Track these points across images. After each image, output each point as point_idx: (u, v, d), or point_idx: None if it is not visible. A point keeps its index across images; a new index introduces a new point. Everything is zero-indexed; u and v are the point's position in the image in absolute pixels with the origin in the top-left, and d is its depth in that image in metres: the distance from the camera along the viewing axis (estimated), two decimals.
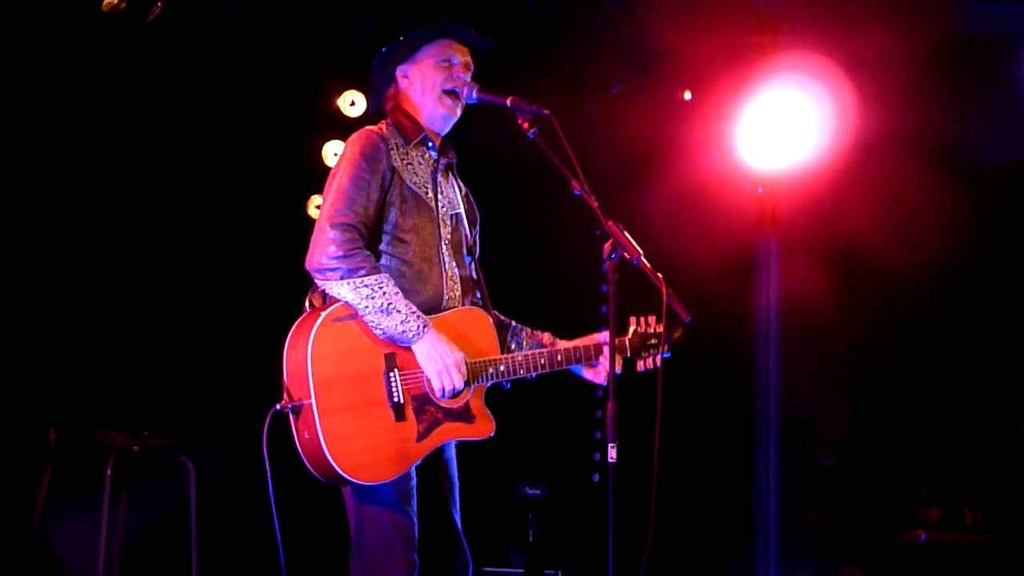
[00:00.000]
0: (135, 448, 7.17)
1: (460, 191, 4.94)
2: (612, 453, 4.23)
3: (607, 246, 4.35)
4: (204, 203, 7.91)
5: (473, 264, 4.88)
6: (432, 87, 4.75)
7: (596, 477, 9.12)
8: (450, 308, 4.66)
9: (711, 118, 8.54)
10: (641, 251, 4.37)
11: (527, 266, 8.97)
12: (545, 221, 8.91)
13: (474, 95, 4.73)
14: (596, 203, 4.46)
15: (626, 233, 4.39)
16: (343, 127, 8.03)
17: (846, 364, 8.86)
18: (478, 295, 4.88)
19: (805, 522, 8.62)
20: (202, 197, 7.91)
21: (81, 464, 7.07)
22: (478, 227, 5.00)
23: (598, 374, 4.85)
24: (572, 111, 8.02)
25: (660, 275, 4.38)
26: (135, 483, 7.38)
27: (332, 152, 8.13)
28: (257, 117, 7.98)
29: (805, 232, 8.59)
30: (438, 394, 4.47)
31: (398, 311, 4.39)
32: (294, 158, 8.16)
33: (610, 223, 4.39)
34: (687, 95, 8.61)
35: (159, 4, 7.27)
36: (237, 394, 7.48)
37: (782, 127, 8.31)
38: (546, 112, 4.55)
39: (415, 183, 4.66)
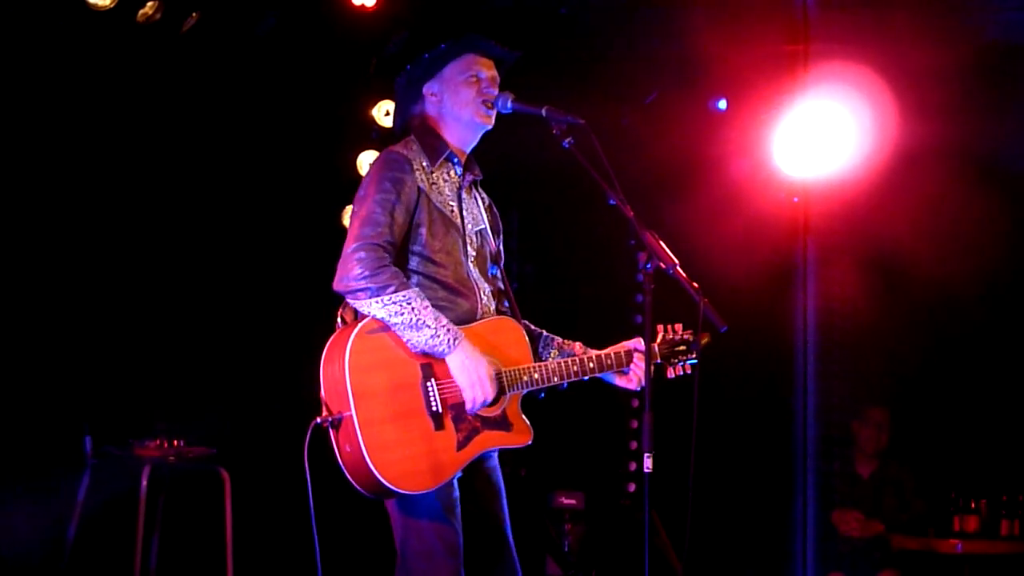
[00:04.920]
0: (171, 458, 7.17)
1: (483, 203, 4.90)
2: (648, 463, 4.23)
3: (642, 256, 4.36)
4: (239, 213, 7.93)
5: (499, 274, 4.86)
6: (464, 103, 4.70)
7: (632, 487, 9.10)
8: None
9: (747, 127, 8.50)
10: (677, 261, 4.35)
11: (562, 276, 8.96)
12: (580, 231, 8.89)
13: (509, 105, 4.70)
14: (632, 213, 4.44)
15: (661, 243, 4.37)
16: (378, 137, 8.04)
17: (883, 373, 8.83)
18: (506, 304, 4.86)
19: (842, 531, 8.58)
20: (237, 207, 7.92)
21: (117, 474, 7.09)
22: (502, 237, 4.97)
23: (630, 380, 4.82)
24: (607, 121, 8.03)
25: (696, 285, 4.37)
26: (170, 494, 7.39)
27: (367, 162, 8.08)
28: (292, 127, 7.99)
29: (842, 242, 8.55)
30: (469, 406, 4.46)
31: (427, 326, 4.37)
32: (329, 169, 8.16)
33: (646, 233, 4.38)
34: (722, 104, 8.58)
35: (194, 15, 7.29)
36: (272, 404, 7.49)
37: (819, 136, 8.27)
38: (581, 122, 4.53)
39: (441, 202, 4.62)
